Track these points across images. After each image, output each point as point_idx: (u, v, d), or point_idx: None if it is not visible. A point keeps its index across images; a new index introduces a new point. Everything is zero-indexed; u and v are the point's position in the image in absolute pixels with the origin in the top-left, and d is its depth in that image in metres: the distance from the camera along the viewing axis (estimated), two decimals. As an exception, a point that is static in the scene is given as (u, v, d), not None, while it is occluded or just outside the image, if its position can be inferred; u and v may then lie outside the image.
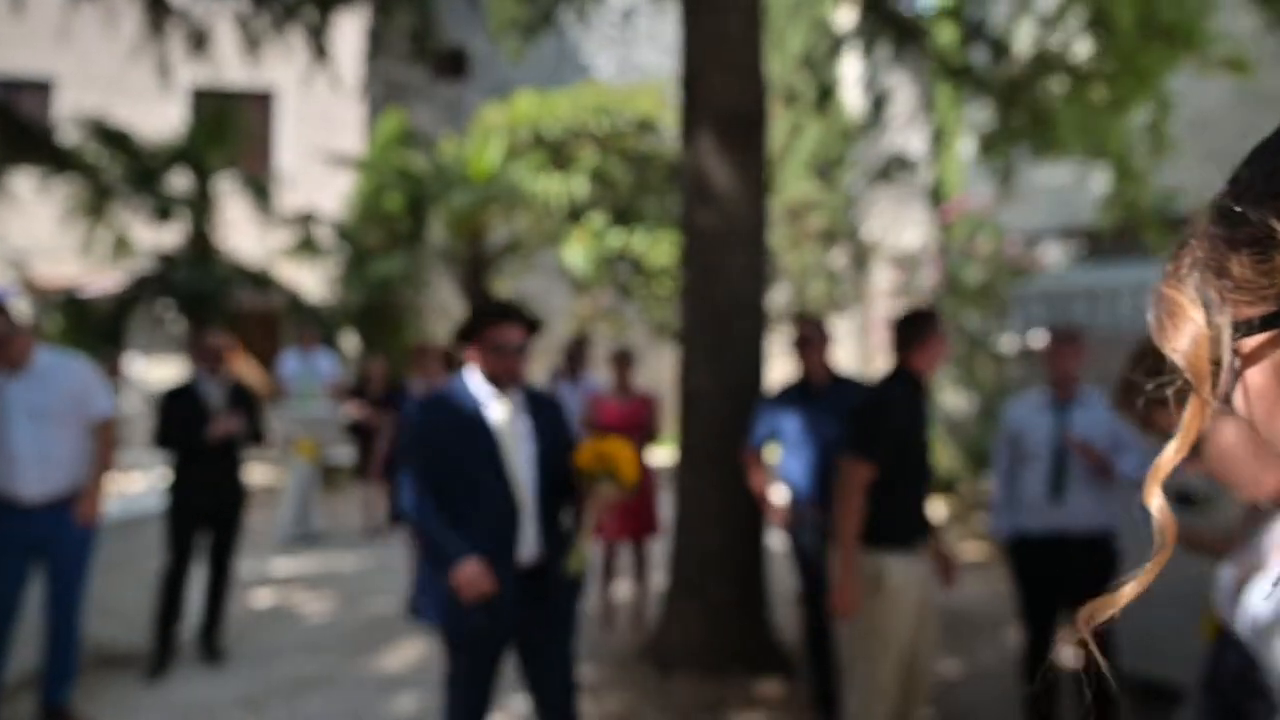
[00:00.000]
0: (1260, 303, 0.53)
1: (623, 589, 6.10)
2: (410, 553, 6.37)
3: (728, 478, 4.93)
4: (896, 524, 3.26)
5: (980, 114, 7.32)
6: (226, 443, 4.94)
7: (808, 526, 4.22)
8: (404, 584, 6.60)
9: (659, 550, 6.13)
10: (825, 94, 7.07)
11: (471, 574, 2.79)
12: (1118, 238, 4.64)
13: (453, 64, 13.51)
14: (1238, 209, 0.54)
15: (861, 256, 18.00)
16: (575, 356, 6.02)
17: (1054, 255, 8.89)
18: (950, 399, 9.50)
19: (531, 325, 3.08)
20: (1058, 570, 3.79)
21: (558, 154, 11.80)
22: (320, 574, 7.07)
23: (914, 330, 3.34)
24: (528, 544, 2.98)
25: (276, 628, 5.76)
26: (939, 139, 7.62)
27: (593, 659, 5.13)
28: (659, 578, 6.08)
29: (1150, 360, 1.45)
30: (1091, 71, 1.97)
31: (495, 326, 3.02)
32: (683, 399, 5.15)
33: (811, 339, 4.22)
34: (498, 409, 3.03)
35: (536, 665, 3.08)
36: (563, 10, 7.54)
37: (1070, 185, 9.23)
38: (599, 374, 7.15)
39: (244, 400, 5.13)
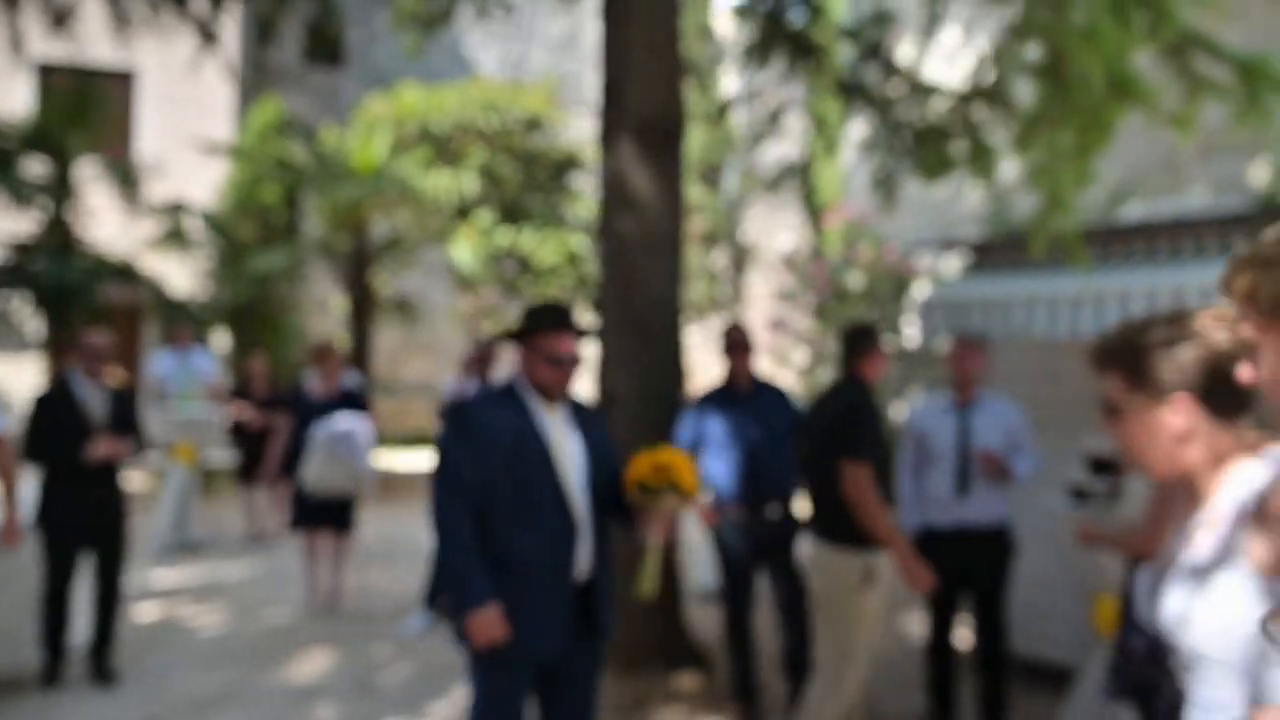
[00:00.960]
0: None
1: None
2: (306, 558, 6.20)
3: (645, 479, 5.04)
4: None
5: (861, 127, 7.73)
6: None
7: (732, 526, 4.37)
8: (299, 592, 6.41)
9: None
10: (724, 109, 7.28)
11: (489, 622, 2.60)
12: (1006, 251, 5.03)
13: (329, 51, 13.05)
14: None
15: (741, 259, 18.53)
16: (485, 357, 5.99)
17: (950, 265, 9.47)
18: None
19: (582, 333, 2.88)
20: (962, 561, 4.09)
21: (446, 149, 11.61)
22: (206, 585, 6.75)
23: (860, 343, 3.61)
24: (581, 563, 2.82)
25: (167, 643, 5.47)
26: (829, 150, 7.99)
27: (509, 661, 5.15)
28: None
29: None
30: (1039, 115, 2.15)
31: (553, 335, 2.80)
32: (601, 401, 5.21)
33: (740, 344, 4.39)
34: (550, 421, 2.83)
35: (562, 689, 2.90)
36: (462, 6, 7.45)
37: (946, 199, 9.83)
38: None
39: (127, 409, 4.84)
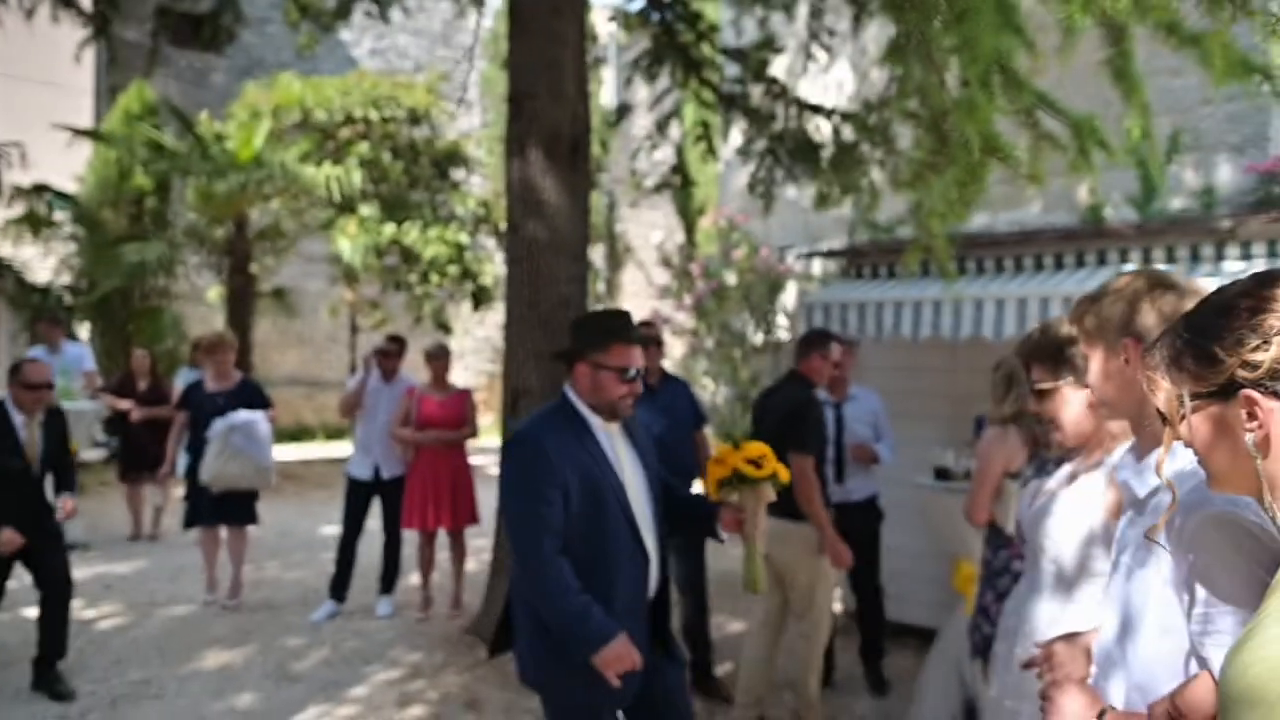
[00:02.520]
0: (1201, 385, 1.13)
1: (437, 576, 6.32)
2: (204, 552, 6.19)
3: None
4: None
5: (738, 136, 8.27)
6: (26, 466, 4.61)
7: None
8: (195, 587, 6.41)
9: (469, 538, 6.46)
10: (621, 113, 7.65)
11: (624, 650, 2.37)
12: (876, 256, 5.63)
13: (198, 35, 12.59)
14: (1192, 336, 1.14)
15: (616, 257, 18.97)
16: (392, 354, 6.13)
17: (819, 267, 10.17)
18: (712, 389, 10.54)
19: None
20: (843, 530, 4.64)
21: (328, 141, 11.48)
22: (97, 583, 6.61)
23: (806, 346, 4.19)
24: (651, 589, 2.68)
25: (70, 644, 5.40)
26: (708, 155, 8.47)
27: (420, 646, 5.38)
28: (471, 564, 6.40)
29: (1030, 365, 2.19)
30: (924, 164, 2.56)
31: (626, 347, 2.60)
32: (508, 396, 5.50)
33: (650, 339, 4.78)
34: (613, 445, 2.65)
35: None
36: (359, 4, 7.51)
37: (812, 203, 10.54)
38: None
39: (59, 428, 4.82)
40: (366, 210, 11.20)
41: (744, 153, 7.86)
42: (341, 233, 10.93)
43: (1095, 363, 1.72)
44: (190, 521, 6.18)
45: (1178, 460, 1.36)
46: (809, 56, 6.33)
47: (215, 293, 11.91)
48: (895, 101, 2.83)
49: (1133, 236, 5.05)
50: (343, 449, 14.93)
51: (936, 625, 4.51)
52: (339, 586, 6.00)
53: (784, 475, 2.72)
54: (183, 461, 6.50)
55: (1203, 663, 1.33)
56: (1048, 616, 2.09)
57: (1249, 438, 1.12)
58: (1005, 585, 2.97)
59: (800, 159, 7.28)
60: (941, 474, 4.61)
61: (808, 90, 7.17)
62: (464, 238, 12.02)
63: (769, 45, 6.70)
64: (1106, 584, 1.61)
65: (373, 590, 6.27)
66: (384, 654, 5.26)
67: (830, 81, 10.14)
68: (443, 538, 6.08)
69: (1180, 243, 4.90)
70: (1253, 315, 1.14)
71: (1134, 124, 2.82)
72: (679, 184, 8.65)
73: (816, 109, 6.78)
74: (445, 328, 12.50)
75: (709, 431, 5.44)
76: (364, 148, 11.41)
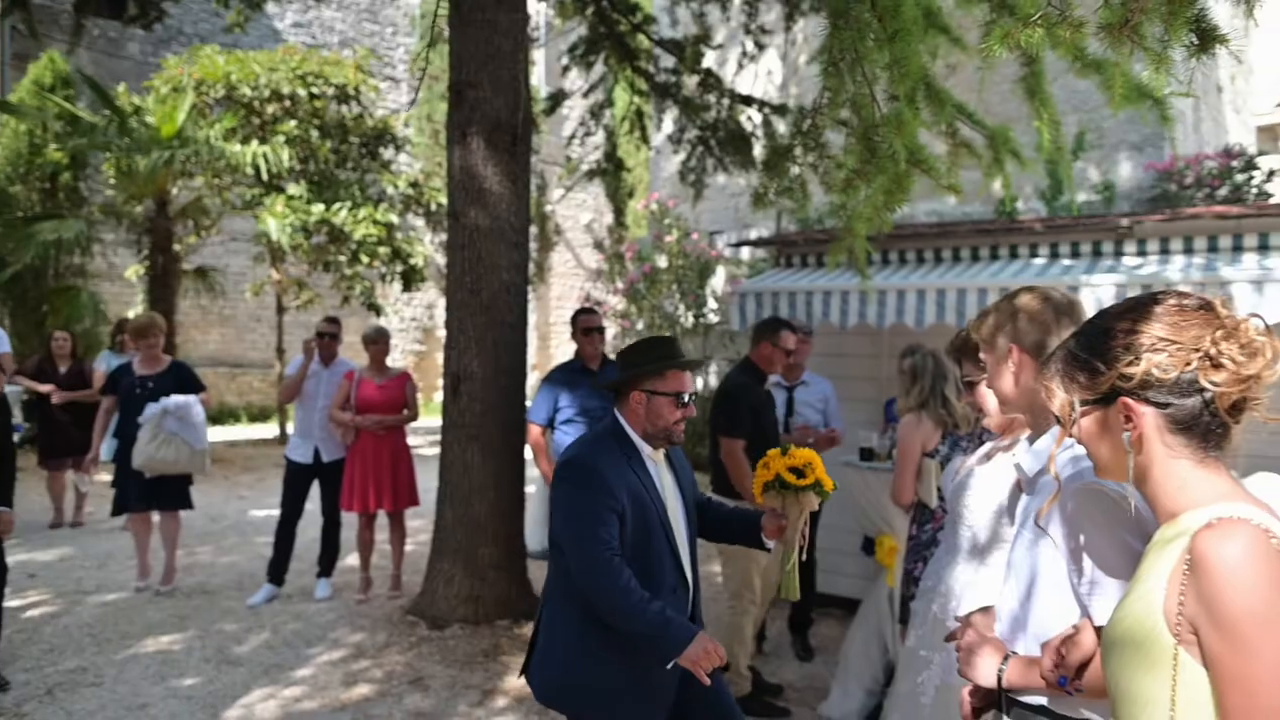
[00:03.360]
0: (1088, 393, 1.36)
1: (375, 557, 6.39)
2: (135, 539, 6.14)
3: (493, 452, 5.51)
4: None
5: (670, 123, 8.45)
6: None
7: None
8: (125, 574, 6.35)
9: (408, 519, 6.53)
10: (556, 100, 7.73)
11: (708, 647, 2.35)
12: (804, 245, 5.88)
13: (111, 6, 12.17)
14: (1080, 352, 1.37)
15: (546, 239, 18.99)
16: (330, 337, 6.13)
17: (749, 253, 10.44)
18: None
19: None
20: None
21: (253, 118, 11.24)
22: (19, 573, 6.47)
23: (758, 334, 4.45)
24: (689, 614, 2.69)
25: (-4, 631, 5.32)
26: (643, 141, 8.62)
27: (361, 626, 5.47)
28: (409, 545, 6.49)
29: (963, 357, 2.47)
30: (855, 171, 2.74)
31: (680, 373, 2.62)
32: (449, 380, 5.60)
33: (593, 326, 4.95)
34: (659, 473, 2.65)
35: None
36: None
37: (742, 190, 10.80)
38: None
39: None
40: (294, 189, 11.02)
41: (676, 141, 8.05)
42: (269, 211, 10.73)
43: (990, 366, 2.01)
44: (119, 508, 6.11)
45: (1069, 451, 1.63)
46: (744, 52, 6.52)
47: (134, 271, 11.58)
48: (828, 110, 3.04)
49: (1041, 232, 5.40)
50: (268, 431, 14.72)
51: (860, 596, 4.81)
52: (277, 570, 6.03)
53: (829, 485, 2.72)
54: (108, 446, 6.41)
55: (1087, 614, 1.59)
56: (964, 579, 2.35)
57: (1126, 436, 1.38)
58: (929, 556, 3.25)
59: (731, 149, 7.51)
60: (867, 454, 4.89)
61: (736, 78, 7.37)
62: (394, 218, 11.92)
63: (705, 39, 6.86)
64: (1010, 552, 1.85)
65: (310, 573, 6.31)
66: (325, 635, 5.33)
67: (760, 70, 10.39)
68: (382, 520, 6.15)
69: (1084, 239, 5.27)
70: (1127, 335, 1.39)
71: (1044, 136, 3.08)
72: (613, 170, 8.79)
73: (748, 100, 6.99)
74: (375, 308, 12.40)
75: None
76: (291, 125, 11.20)
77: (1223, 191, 6.84)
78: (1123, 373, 1.37)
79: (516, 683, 4.68)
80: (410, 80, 17.76)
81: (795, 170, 3.54)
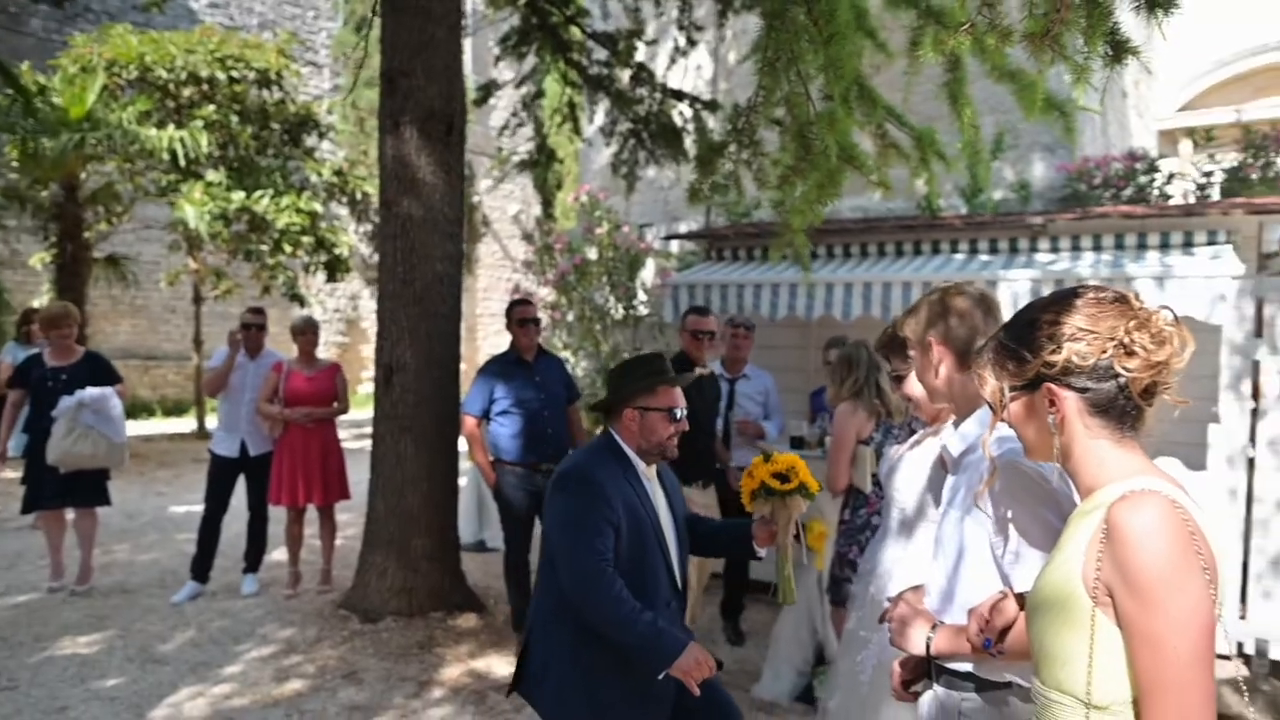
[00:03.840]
0: (1016, 380, 1.46)
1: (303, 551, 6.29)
2: (48, 537, 5.92)
3: (426, 444, 5.48)
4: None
5: (601, 115, 8.49)
6: None
7: (513, 481, 4.94)
8: (37, 573, 6.12)
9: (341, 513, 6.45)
10: (487, 92, 7.68)
11: (700, 657, 2.39)
12: (735, 239, 5.99)
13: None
14: (1009, 343, 1.47)
15: (473, 230, 18.80)
16: (256, 328, 6.00)
17: (678, 246, 10.51)
18: (573, 361, 10.75)
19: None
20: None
21: (168, 101, 10.85)
22: (-78, 572, 6.19)
23: (681, 321, 4.55)
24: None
25: (-102, 634, 5.08)
26: (575, 133, 8.62)
27: (292, 622, 5.39)
28: (337, 539, 6.40)
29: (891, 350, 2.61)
30: (789, 167, 2.82)
31: (671, 389, 2.67)
32: (381, 371, 5.54)
33: (528, 317, 4.96)
34: (652, 489, 2.69)
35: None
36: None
37: (671, 183, 10.90)
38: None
39: None
40: (213, 175, 10.69)
41: (608, 134, 8.09)
42: (186, 198, 10.38)
43: (918, 361, 2.13)
44: (30, 505, 5.88)
45: (996, 433, 1.75)
46: (676, 47, 6.60)
47: (38, 258, 11.08)
48: (763, 109, 3.12)
49: (961, 229, 5.62)
50: (185, 425, 14.26)
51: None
52: (201, 566, 5.88)
53: (814, 486, 2.75)
54: (16, 442, 6.16)
55: (1009, 584, 1.71)
56: (892, 556, 2.48)
57: (1051, 419, 1.50)
58: (867, 540, 3.38)
59: (663, 143, 7.58)
60: (796, 442, 5.04)
61: (667, 73, 7.45)
62: (318, 207, 11.66)
63: (638, 33, 6.91)
64: (938, 529, 1.97)
65: (236, 570, 6.18)
66: (254, 631, 5.24)
67: (690, 66, 10.48)
68: (310, 514, 6.06)
69: (1001, 236, 5.51)
70: (1050, 326, 1.51)
71: (966, 138, 3.23)
72: (545, 161, 8.77)
73: (680, 95, 7.06)
74: (298, 299, 12.13)
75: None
76: (210, 110, 10.85)
77: (1127, 192, 7.21)
78: (1046, 360, 1.49)
79: (452, 673, 4.68)
80: (333, 66, 17.36)
81: (729, 166, 3.62)
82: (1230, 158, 7.38)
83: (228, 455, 5.89)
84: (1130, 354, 1.45)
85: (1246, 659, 4.65)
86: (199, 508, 5.98)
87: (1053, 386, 1.49)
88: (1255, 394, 4.81)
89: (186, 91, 10.92)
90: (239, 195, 10.72)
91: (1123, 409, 1.47)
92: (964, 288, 2.12)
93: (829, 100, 2.85)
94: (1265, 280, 4.84)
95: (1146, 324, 1.46)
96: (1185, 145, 11.07)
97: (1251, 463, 4.81)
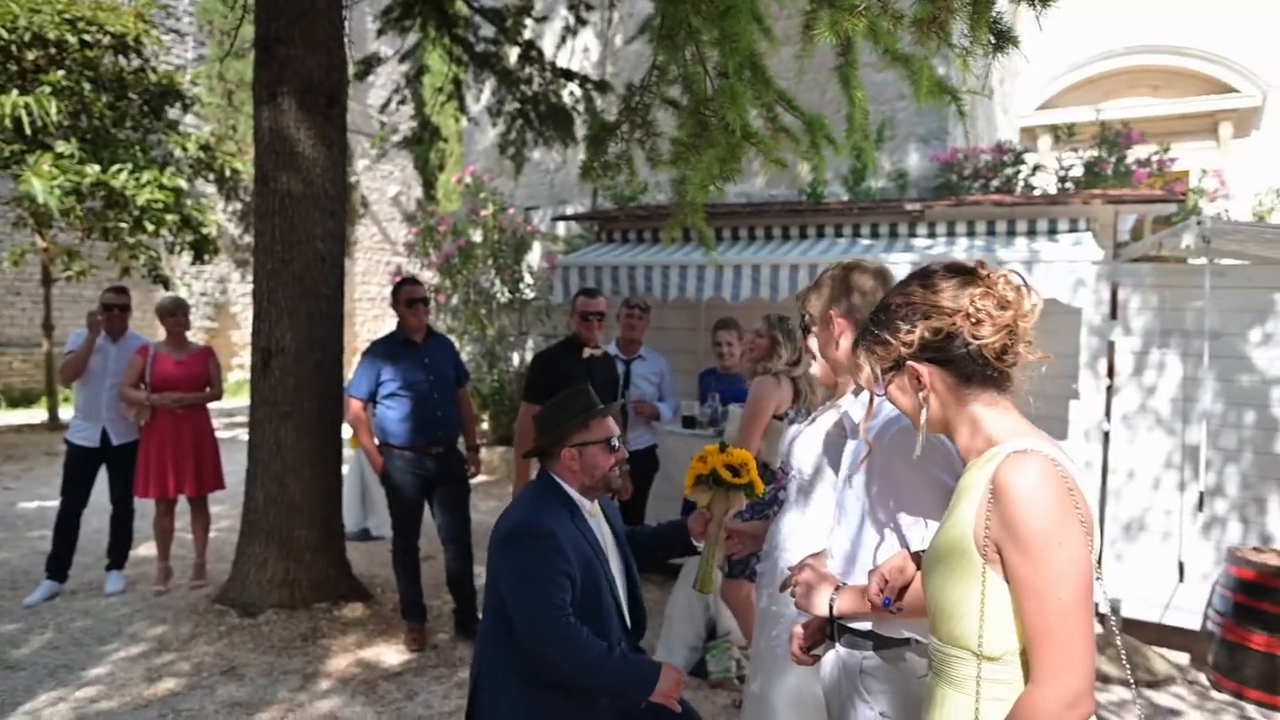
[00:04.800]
0: (884, 362, 1.54)
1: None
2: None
3: (308, 430, 5.27)
4: None
5: (489, 93, 8.33)
6: None
7: (402, 465, 4.81)
8: None
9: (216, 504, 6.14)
10: (368, 66, 7.41)
11: (676, 678, 2.42)
12: (624, 222, 6.00)
13: None
14: (873, 328, 1.55)
15: (351, 211, 18.18)
16: (118, 309, 5.61)
17: (565, 229, 10.43)
18: (458, 345, 10.56)
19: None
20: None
21: (11, 64, 10.00)
22: None
23: (573, 304, 4.56)
24: None
25: None
26: (460, 111, 8.42)
27: (163, 619, 5.10)
28: (211, 531, 6.10)
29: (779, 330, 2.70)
30: (686, 144, 2.81)
31: (599, 420, 2.60)
32: (259, 354, 5.29)
33: (417, 298, 4.81)
34: (597, 526, 2.63)
35: None
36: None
37: (557, 166, 10.81)
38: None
39: None
40: (64, 147, 9.92)
41: (495, 113, 7.94)
42: (33, 171, 9.60)
43: (821, 337, 2.20)
44: None
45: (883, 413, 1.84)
46: (566, 26, 6.52)
47: None
48: (658, 86, 3.12)
49: (845, 214, 5.80)
50: (35, 415, 13.26)
51: (681, 560, 5.01)
52: (58, 564, 5.49)
53: (760, 488, 2.75)
54: None
55: (904, 545, 1.79)
56: (790, 524, 2.55)
57: (921, 395, 1.60)
58: (772, 515, 3.44)
59: (552, 123, 7.50)
60: (689, 422, 5.09)
61: (555, 54, 7.37)
62: (183, 183, 11.00)
63: (526, 10, 6.80)
64: (840, 495, 2.03)
65: (97, 567, 5.81)
66: (121, 631, 4.93)
67: (577, 47, 10.41)
68: (181, 506, 5.74)
69: (882, 221, 5.71)
70: (903, 308, 1.61)
71: (856, 121, 3.32)
72: (429, 139, 8.54)
73: (570, 75, 7.00)
74: (162, 281, 11.44)
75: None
76: (59, 75, 10.06)
77: (995, 183, 7.59)
78: (904, 340, 1.58)
79: (340, 664, 4.54)
80: (198, 34, 16.41)
81: (623, 146, 3.60)
82: (1088, 154, 7.88)
83: (87, 445, 5.51)
84: (978, 322, 1.53)
85: (1102, 618, 5.00)
86: (54, 502, 5.58)
87: (913, 364, 1.58)
88: (1110, 373, 5.17)
89: (31, 55, 10.09)
90: (94, 169, 9.99)
91: (984, 374, 1.56)
92: (864, 263, 2.18)
93: (724, 78, 2.88)
94: (1120, 266, 5.19)
95: (991, 290, 1.55)
96: (1044, 141, 11.75)
97: (1106, 436, 5.17)
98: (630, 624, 2.64)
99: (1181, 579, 4.87)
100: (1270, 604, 4.26)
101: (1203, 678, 4.70)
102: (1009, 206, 5.47)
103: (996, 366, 1.56)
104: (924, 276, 1.62)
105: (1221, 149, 12.04)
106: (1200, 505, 4.77)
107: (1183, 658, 4.95)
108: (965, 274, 1.59)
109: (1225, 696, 4.47)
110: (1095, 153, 7.88)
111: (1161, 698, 4.42)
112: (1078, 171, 7.90)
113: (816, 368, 2.30)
